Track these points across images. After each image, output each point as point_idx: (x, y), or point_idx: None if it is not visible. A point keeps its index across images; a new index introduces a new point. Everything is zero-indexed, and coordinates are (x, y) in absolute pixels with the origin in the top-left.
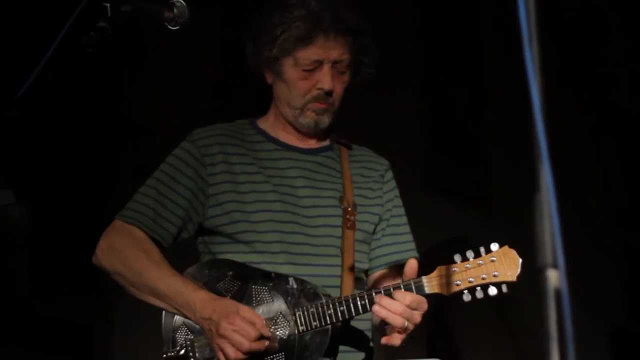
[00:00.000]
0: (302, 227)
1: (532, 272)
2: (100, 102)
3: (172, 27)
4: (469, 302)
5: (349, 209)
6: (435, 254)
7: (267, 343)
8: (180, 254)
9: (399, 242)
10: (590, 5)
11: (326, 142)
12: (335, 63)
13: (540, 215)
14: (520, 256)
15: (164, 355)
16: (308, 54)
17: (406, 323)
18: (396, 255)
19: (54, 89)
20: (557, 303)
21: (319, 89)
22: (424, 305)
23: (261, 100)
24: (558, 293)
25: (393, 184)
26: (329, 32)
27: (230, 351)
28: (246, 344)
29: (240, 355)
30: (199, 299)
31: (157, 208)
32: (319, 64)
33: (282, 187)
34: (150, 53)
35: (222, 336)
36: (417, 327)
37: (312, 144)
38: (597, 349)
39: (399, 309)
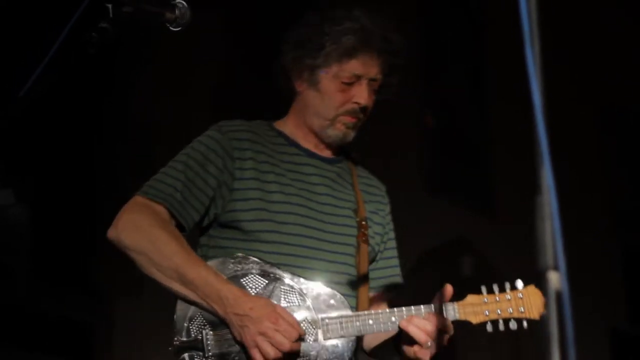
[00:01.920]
0: (323, 234)
1: (533, 274)
2: (101, 102)
3: (174, 28)
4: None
5: (363, 222)
6: (437, 255)
7: (301, 345)
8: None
9: (392, 266)
10: (592, 4)
11: (337, 155)
12: (371, 80)
13: (541, 217)
14: (522, 258)
15: (176, 342)
16: (350, 68)
17: (429, 342)
18: (390, 279)
19: (56, 89)
20: (558, 305)
21: (356, 102)
22: (451, 330)
23: (261, 101)
24: (559, 295)
25: (390, 208)
26: (373, 50)
27: (271, 350)
28: (287, 345)
29: (280, 355)
30: (232, 293)
31: (185, 193)
32: (358, 79)
33: (305, 192)
34: (151, 54)
35: (263, 334)
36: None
37: (328, 153)
38: (598, 350)
39: (429, 328)
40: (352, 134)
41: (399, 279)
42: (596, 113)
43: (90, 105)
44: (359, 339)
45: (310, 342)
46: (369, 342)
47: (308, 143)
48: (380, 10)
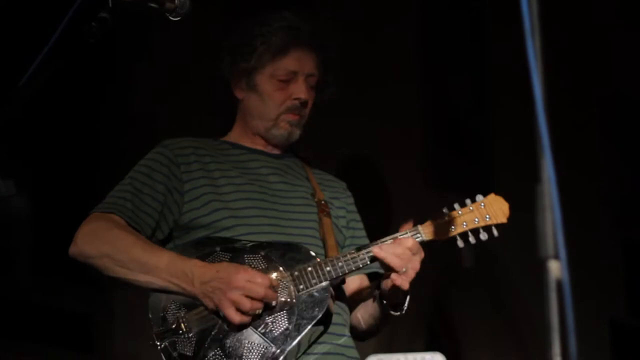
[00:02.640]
0: (281, 213)
1: (533, 263)
2: (101, 93)
3: (173, 17)
4: (457, 287)
5: (323, 202)
6: (435, 248)
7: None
8: None
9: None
10: None
11: (287, 154)
12: (308, 76)
13: (542, 207)
14: (522, 247)
15: (155, 334)
16: (285, 65)
17: (404, 268)
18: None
19: (56, 79)
20: (559, 294)
21: (295, 99)
22: (422, 252)
23: None
24: (559, 284)
25: (353, 200)
26: (304, 45)
27: (245, 301)
28: (262, 291)
29: (256, 305)
30: (195, 266)
31: (135, 200)
32: (294, 75)
33: (256, 181)
34: (152, 44)
35: (235, 288)
36: (418, 275)
37: (278, 151)
38: (598, 339)
39: (398, 250)
40: (297, 132)
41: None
42: (597, 104)
43: (90, 96)
44: (338, 287)
45: (285, 298)
46: (364, 318)
47: (256, 145)
48: (380, 3)
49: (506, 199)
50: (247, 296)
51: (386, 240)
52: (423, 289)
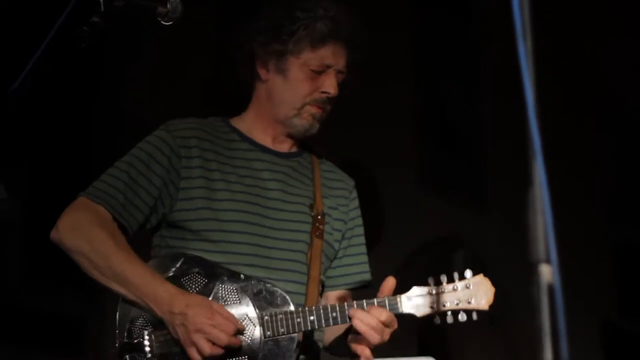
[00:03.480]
0: (270, 231)
1: (525, 267)
2: (93, 96)
3: (165, 22)
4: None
5: (319, 217)
6: (428, 251)
7: (240, 340)
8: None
9: (358, 263)
10: None
11: (298, 148)
12: (338, 72)
13: (533, 211)
14: (513, 251)
15: (118, 344)
16: (321, 55)
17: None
18: (356, 276)
19: (47, 84)
20: (550, 298)
21: (324, 92)
22: (395, 324)
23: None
24: (551, 288)
25: (357, 203)
26: (343, 41)
27: (206, 346)
28: (225, 338)
29: (217, 350)
30: (168, 292)
31: (128, 193)
32: (327, 68)
33: (254, 189)
34: (144, 48)
35: (199, 330)
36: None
37: (286, 147)
38: (590, 343)
39: (372, 323)
40: (316, 126)
41: (367, 277)
42: (589, 107)
43: (82, 100)
44: (306, 336)
45: (250, 340)
46: (327, 338)
47: (265, 137)
48: (372, 3)
49: (497, 205)
50: (210, 340)
51: (363, 304)
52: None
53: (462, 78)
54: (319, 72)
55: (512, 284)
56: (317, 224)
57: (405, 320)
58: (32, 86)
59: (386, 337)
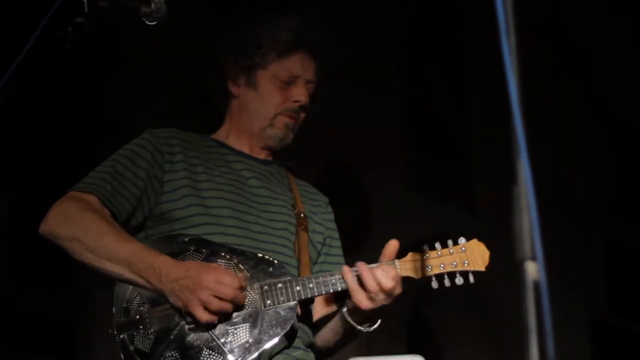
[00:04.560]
0: (257, 218)
1: (510, 264)
2: (80, 98)
3: (150, 22)
4: (435, 290)
5: (302, 215)
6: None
7: (244, 295)
8: None
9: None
10: None
11: (273, 161)
12: (307, 82)
13: (518, 208)
14: (499, 249)
15: (114, 324)
16: (289, 66)
17: (379, 296)
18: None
19: (33, 86)
20: (536, 295)
21: (295, 101)
22: (399, 288)
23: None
24: (537, 285)
25: (333, 218)
26: (309, 51)
27: (215, 301)
28: (231, 292)
29: (225, 305)
30: (165, 263)
31: (114, 183)
32: (296, 78)
33: (238, 183)
34: (128, 49)
35: (204, 288)
36: (385, 308)
37: (263, 156)
38: (577, 341)
39: (380, 277)
40: (290, 136)
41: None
42: (574, 103)
43: (69, 102)
44: (304, 306)
45: (250, 309)
46: (322, 334)
47: (242, 146)
48: (358, 5)
49: (483, 203)
50: (216, 296)
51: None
52: (402, 291)
53: (448, 78)
54: (288, 83)
55: (498, 282)
56: (301, 221)
57: (394, 319)
58: (15, 90)
59: (397, 291)
